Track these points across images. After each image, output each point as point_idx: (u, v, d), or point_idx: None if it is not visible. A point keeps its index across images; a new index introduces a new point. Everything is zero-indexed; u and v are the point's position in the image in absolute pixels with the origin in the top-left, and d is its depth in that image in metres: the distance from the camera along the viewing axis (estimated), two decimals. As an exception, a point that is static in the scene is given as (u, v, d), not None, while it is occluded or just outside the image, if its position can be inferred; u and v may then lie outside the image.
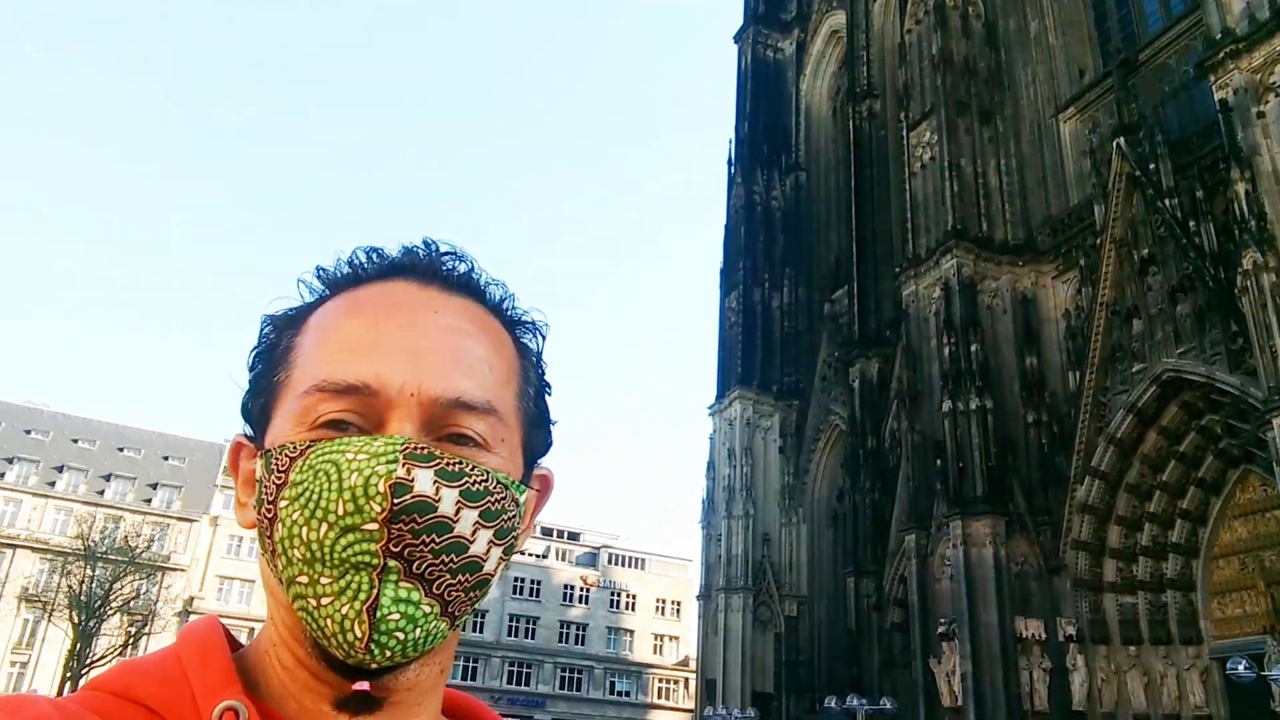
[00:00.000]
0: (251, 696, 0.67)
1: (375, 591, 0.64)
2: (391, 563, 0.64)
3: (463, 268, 0.79)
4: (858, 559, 32.26)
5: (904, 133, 32.70)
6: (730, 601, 38.63)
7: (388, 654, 0.65)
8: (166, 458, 60.20)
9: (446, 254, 0.79)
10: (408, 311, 0.74)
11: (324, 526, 0.64)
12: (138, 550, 46.66)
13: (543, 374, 0.85)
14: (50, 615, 46.40)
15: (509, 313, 0.82)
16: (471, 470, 0.69)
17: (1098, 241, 25.11)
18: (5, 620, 50.36)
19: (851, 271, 37.47)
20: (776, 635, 38.00)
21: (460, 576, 0.67)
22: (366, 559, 0.64)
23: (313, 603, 0.65)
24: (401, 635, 0.65)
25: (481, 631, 64.65)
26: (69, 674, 42.12)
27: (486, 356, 0.75)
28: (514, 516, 0.74)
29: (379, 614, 0.64)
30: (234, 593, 58.17)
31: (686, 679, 63.72)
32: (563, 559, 71.11)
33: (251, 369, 0.78)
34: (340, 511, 0.64)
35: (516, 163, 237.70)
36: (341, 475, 0.65)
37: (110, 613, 44.83)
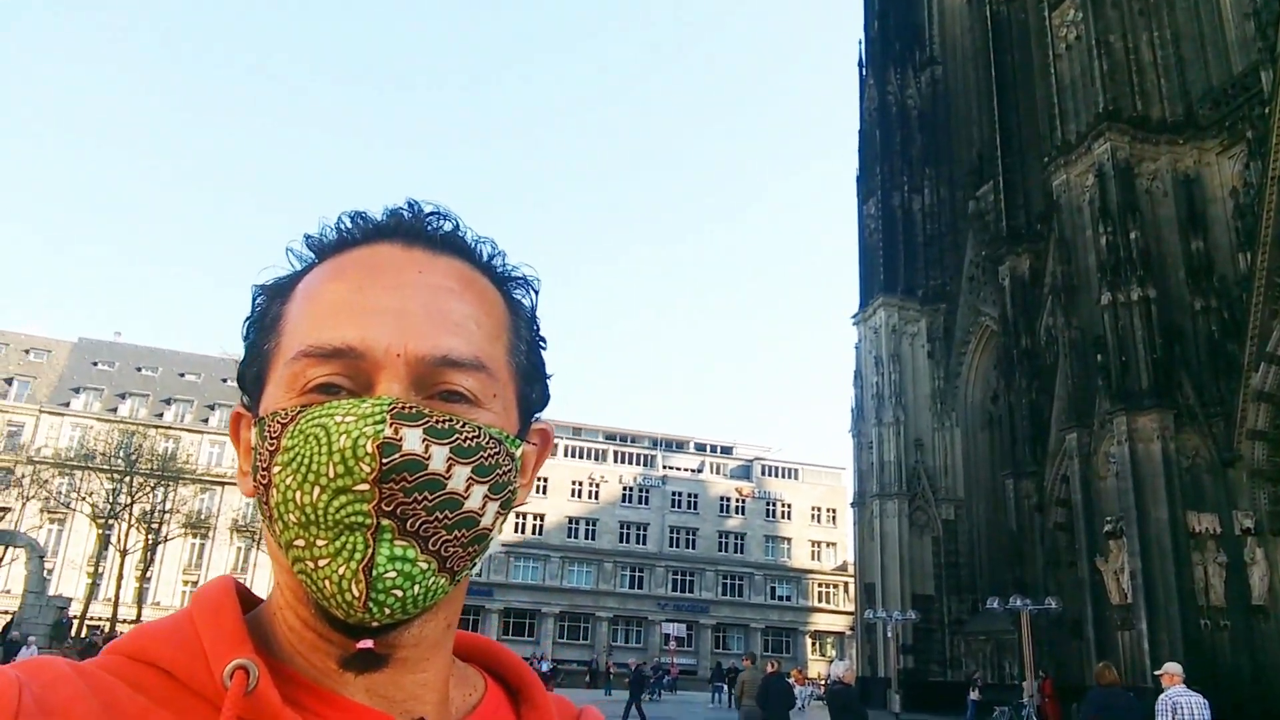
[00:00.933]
0: (263, 655, 0.68)
1: (370, 550, 0.65)
2: (385, 521, 0.65)
3: (448, 226, 0.79)
4: (1017, 460, 31.82)
5: (1045, 14, 30.88)
6: (885, 507, 38.92)
7: (386, 611, 0.66)
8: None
9: (431, 214, 0.79)
10: (392, 272, 0.74)
11: (316, 489, 0.65)
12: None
13: (536, 329, 0.85)
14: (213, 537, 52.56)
15: (498, 270, 0.82)
16: (462, 427, 0.70)
17: (1266, 111, 23.35)
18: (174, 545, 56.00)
19: (996, 166, 36.01)
20: (934, 538, 38.14)
21: (456, 532, 0.69)
22: (360, 519, 0.65)
23: (310, 565, 0.66)
24: (400, 593, 0.66)
25: (645, 543, 67.39)
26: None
27: (474, 313, 0.76)
28: (509, 471, 0.74)
29: (375, 572, 0.65)
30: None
31: (845, 583, 64.72)
32: (717, 472, 72.72)
33: (245, 338, 0.78)
34: (331, 474, 0.65)
35: (656, 86, 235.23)
36: (330, 438, 0.66)
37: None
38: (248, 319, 0.78)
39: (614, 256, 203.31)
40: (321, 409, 0.68)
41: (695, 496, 69.96)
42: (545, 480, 66.94)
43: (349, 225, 0.77)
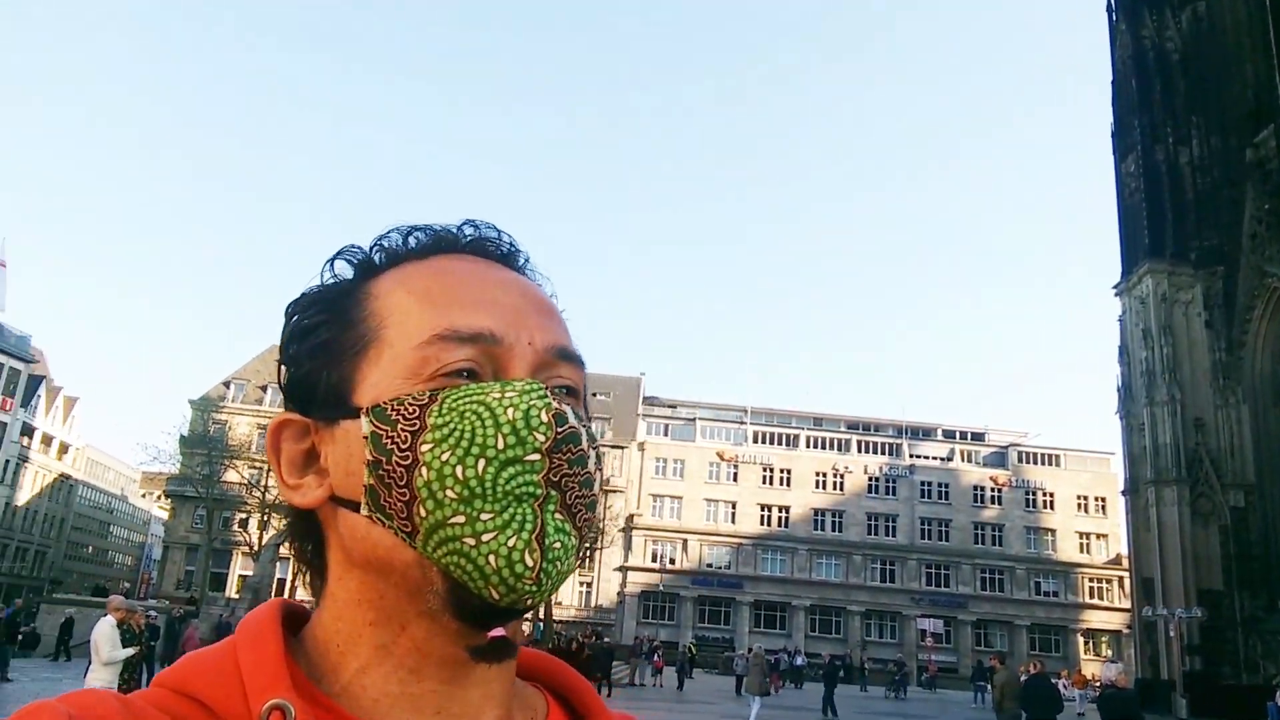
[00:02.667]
0: (308, 687, 0.66)
1: (540, 520, 0.65)
2: (553, 492, 0.66)
3: (506, 244, 0.80)
4: (1319, 438, 27.95)
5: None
6: (1162, 494, 35.44)
7: (549, 583, 0.65)
8: (594, 394, 68.05)
9: (491, 228, 0.80)
10: (491, 273, 0.75)
11: (482, 462, 0.64)
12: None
13: None
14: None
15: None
16: (584, 414, 0.73)
17: None
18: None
19: (1276, 107, 31.80)
20: (1221, 528, 34.23)
21: (589, 514, 0.69)
22: (530, 489, 0.65)
23: (470, 542, 0.64)
24: (560, 565, 0.66)
25: (894, 535, 65.44)
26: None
27: (560, 315, 0.78)
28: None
29: (546, 542, 0.65)
30: (665, 508, 65.29)
31: (1120, 578, 59.43)
32: (969, 460, 69.12)
33: (302, 342, 0.74)
34: (500, 444, 0.64)
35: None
36: (495, 412, 0.65)
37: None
38: (299, 326, 0.75)
39: (847, 237, 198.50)
40: (467, 390, 0.67)
41: (946, 486, 66.94)
42: (789, 472, 66.68)
43: (422, 237, 0.78)
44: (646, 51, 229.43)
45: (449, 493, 0.65)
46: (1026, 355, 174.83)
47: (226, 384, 64.76)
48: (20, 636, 26.96)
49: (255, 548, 44.06)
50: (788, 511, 65.73)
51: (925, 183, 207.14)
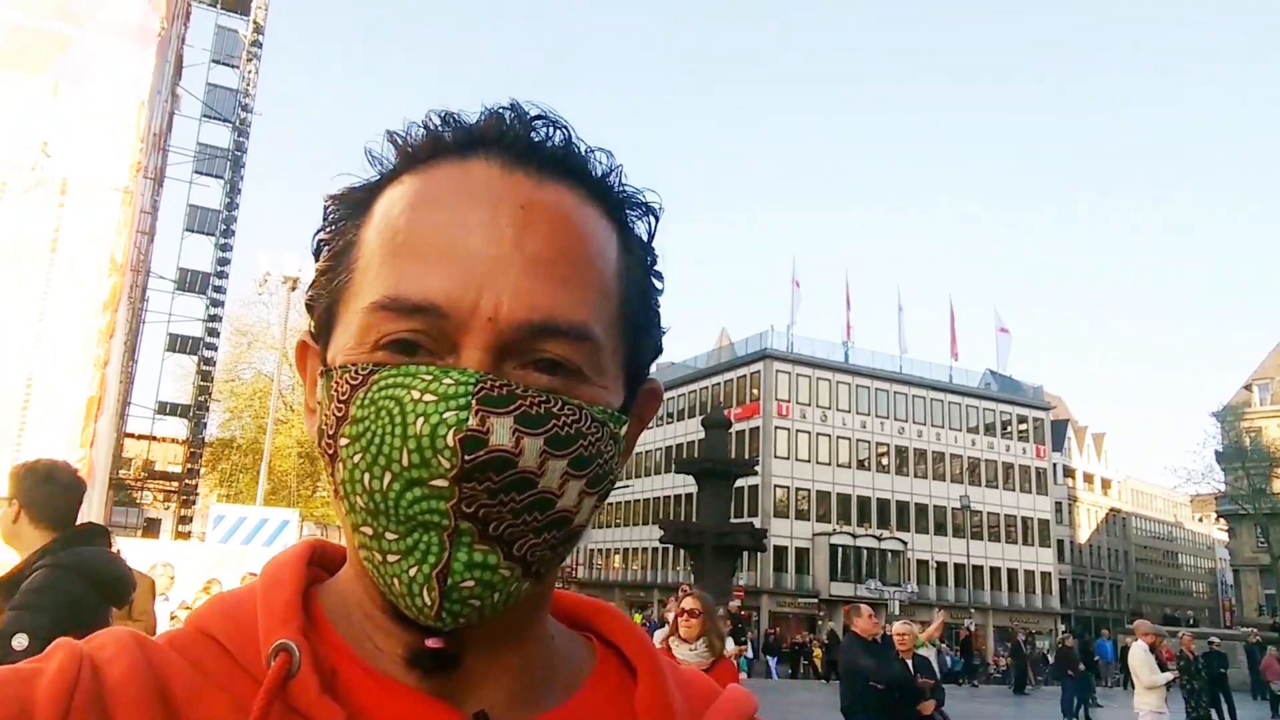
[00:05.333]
0: (322, 632, 0.62)
1: (446, 555, 0.56)
2: (464, 524, 0.56)
3: (558, 137, 0.64)
4: None
5: None
6: None
7: (461, 620, 0.58)
8: None
9: (537, 119, 0.64)
10: (488, 206, 0.61)
11: (387, 476, 0.56)
12: None
13: (653, 266, 0.70)
14: None
15: (615, 191, 0.67)
16: (560, 410, 0.59)
17: None
18: None
19: None
20: None
21: (546, 535, 0.59)
22: (435, 519, 0.56)
23: (378, 557, 0.58)
24: (478, 602, 0.57)
25: None
26: None
27: (585, 264, 0.63)
28: (611, 457, 0.63)
29: (450, 580, 0.56)
30: None
31: None
32: None
33: (315, 258, 0.66)
34: (405, 462, 0.56)
35: None
36: (406, 418, 0.56)
37: None
38: (317, 236, 0.68)
39: None
40: (396, 374, 0.58)
41: None
42: None
43: (439, 128, 0.65)
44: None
45: (359, 500, 0.59)
46: None
47: (1248, 387, 59.35)
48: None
49: None
50: None
51: None
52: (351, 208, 0.67)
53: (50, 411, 15.26)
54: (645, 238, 0.70)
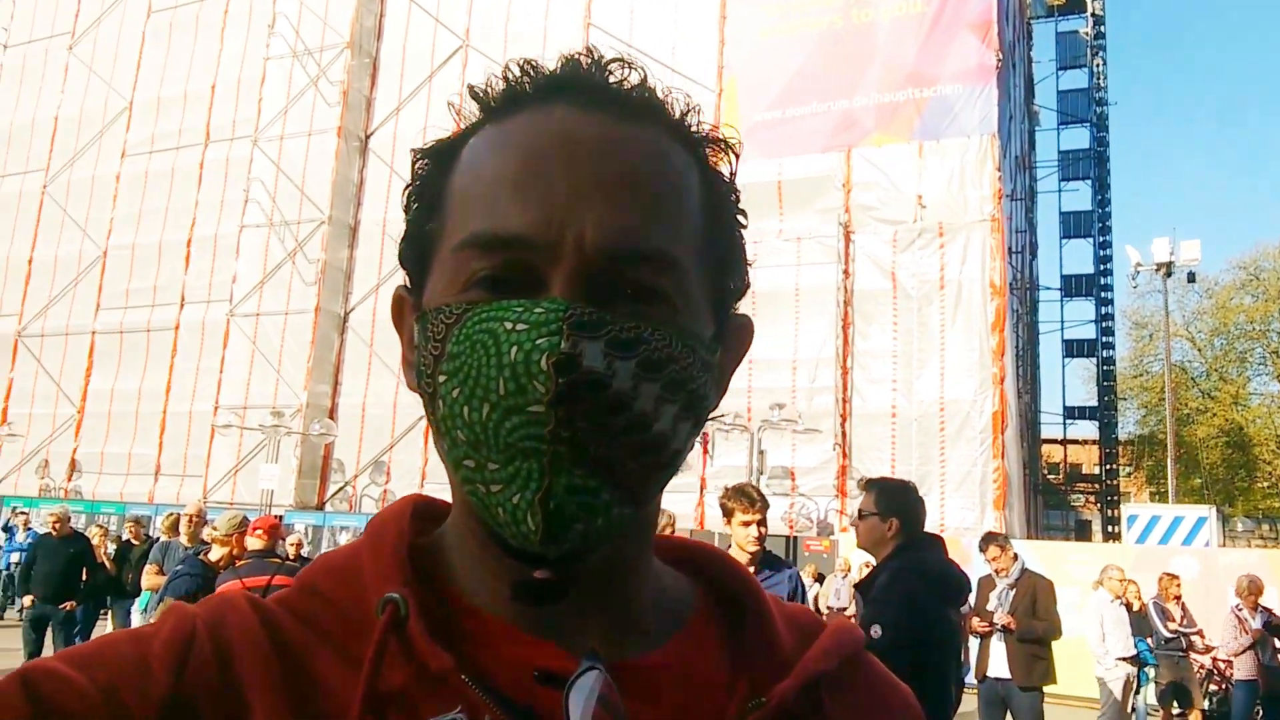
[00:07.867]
0: (430, 586, 0.63)
1: (547, 480, 0.56)
2: (562, 449, 0.56)
3: (634, 78, 0.64)
4: None
5: None
6: None
7: (565, 546, 0.58)
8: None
9: (613, 62, 0.65)
10: (570, 142, 0.61)
11: (486, 407, 0.57)
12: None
13: (735, 203, 0.69)
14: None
15: (693, 132, 0.67)
16: (650, 335, 0.59)
17: None
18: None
19: None
20: None
21: (643, 458, 0.59)
22: (534, 444, 0.56)
23: (482, 489, 0.58)
24: (581, 526, 0.57)
25: None
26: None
27: (667, 193, 0.63)
28: (704, 383, 0.63)
29: (552, 505, 0.56)
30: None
31: None
32: None
33: (406, 211, 0.67)
34: (502, 391, 0.56)
35: None
36: (500, 348, 0.56)
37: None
38: (407, 189, 0.69)
39: None
40: (490, 310, 0.59)
41: None
42: None
43: (519, 77, 0.65)
44: None
45: (460, 434, 0.59)
46: None
47: None
48: None
49: None
50: None
51: None
52: (438, 158, 0.68)
53: (960, 430, 16.99)
54: (731, 171, 0.70)
